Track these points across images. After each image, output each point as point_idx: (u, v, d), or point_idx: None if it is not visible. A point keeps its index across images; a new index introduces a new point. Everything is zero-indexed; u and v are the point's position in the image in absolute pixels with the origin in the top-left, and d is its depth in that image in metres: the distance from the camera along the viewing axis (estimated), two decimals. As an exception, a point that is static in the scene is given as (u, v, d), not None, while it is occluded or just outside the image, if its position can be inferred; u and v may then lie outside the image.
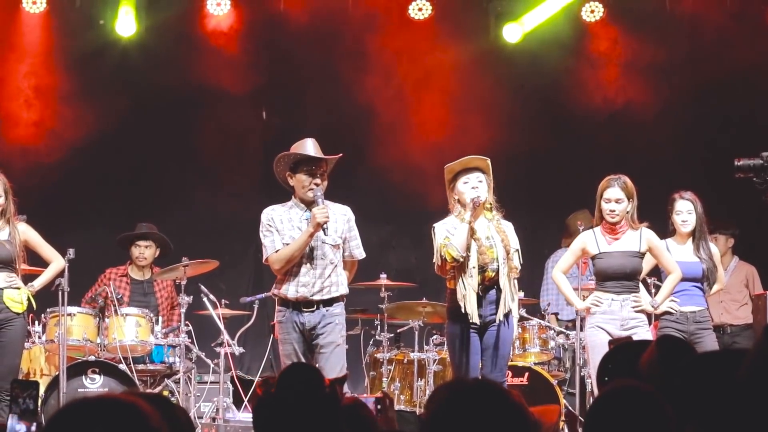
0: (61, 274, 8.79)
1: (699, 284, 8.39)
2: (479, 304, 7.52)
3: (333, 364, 7.44)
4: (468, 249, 7.47)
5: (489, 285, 7.54)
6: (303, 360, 7.40)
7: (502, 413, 2.76)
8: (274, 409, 3.51)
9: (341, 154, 7.66)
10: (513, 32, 12.05)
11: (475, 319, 7.50)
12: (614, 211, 8.00)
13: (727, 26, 11.63)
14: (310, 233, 7.39)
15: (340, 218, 7.66)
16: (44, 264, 8.80)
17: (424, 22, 12.12)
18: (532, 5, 11.99)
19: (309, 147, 7.57)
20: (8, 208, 8.44)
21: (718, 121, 11.80)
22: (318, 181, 7.48)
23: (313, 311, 7.48)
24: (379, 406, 4.72)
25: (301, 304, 7.47)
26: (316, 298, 7.49)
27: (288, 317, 7.48)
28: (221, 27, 11.91)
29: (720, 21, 11.70)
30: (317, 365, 7.29)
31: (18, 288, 8.41)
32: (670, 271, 8.16)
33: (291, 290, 7.48)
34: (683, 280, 8.28)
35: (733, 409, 2.73)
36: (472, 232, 7.48)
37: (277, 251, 7.45)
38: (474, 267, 7.51)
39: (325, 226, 7.38)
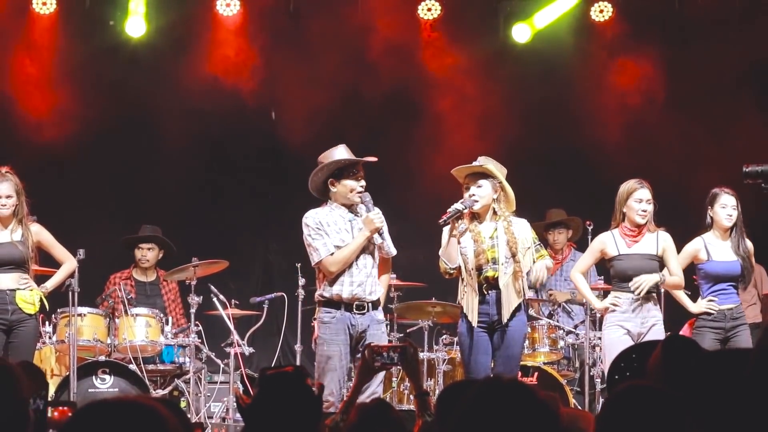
0: (72, 275, 8.81)
1: (735, 283, 8.40)
2: (484, 304, 7.57)
3: (380, 375, 7.54)
4: (455, 260, 7.58)
5: (492, 285, 7.57)
6: (346, 362, 7.49)
7: (534, 413, 2.78)
8: (257, 409, 3.54)
9: (376, 158, 7.72)
10: (522, 32, 12.06)
11: (474, 321, 7.56)
12: (646, 211, 8.12)
13: (737, 26, 11.62)
14: (367, 236, 7.50)
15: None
16: (56, 265, 8.81)
17: (433, 22, 12.13)
18: (541, 5, 12.00)
19: (347, 152, 7.66)
20: (21, 209, 8.44)
21: (729, 120, 11.78)
22: (363, 184, 7.58)
23: (364, 314, 7.53)
24: (405, 356, 4.73)
25: (353, 306, 7.51)
26: (369, 298, 7.56)
27: (339, 318, 7.49)
28: (231, 27, 11.93)
29: (730, 20, 11.69)
30: None
31: (31, 289, 8.41)
32: (676, 273, 8.20)
33: (345, 290, 7.49)
34: (721, 280, 8.34)
35: (737, 407, 2.74)
36: (457, 243, 7.58)
37: (332, 254, 7.48)
38: (472, 269, 7.57)
39: (381, 230, 7.48)
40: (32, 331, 8.43)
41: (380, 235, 7.54)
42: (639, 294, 8.01)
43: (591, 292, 8.50)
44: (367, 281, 7.56)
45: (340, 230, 7.54)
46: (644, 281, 8.01)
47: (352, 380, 7.50)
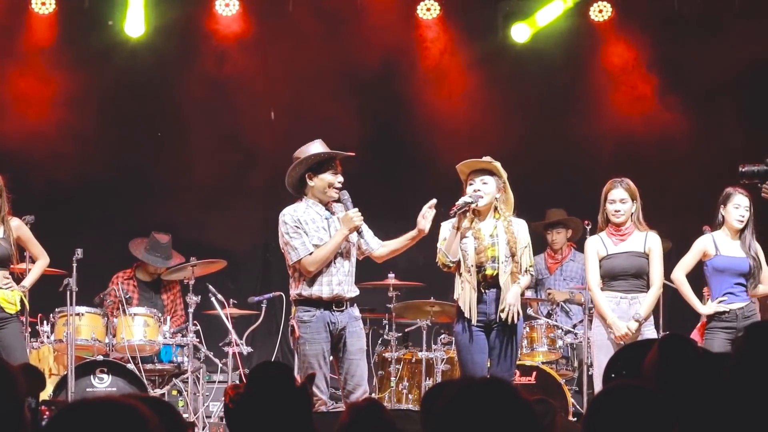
0: (68, 274, 8.80)
1: (743, 280, 8.36)
2: (482, 303, 7.55)
3: (363, 371, 7.57)
4: (456, 254, 7.55)
5: (491, 283, 7.55)
6: (328, 361, 7.48)
7: (511, 410, 2.77)
8: (246, 407, 3.53)
9: (353, 153, 7.70)
10: (521, 32, 12.06)
11: (473, 319, 7.53)
12: (619, 211, 8.08)
13: (736, 25, 11.61)
14: (345, 235, 7.46)
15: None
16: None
17: (433, 22, 12.13)
18: (540, 5, 11.99)
19: (324, 147, 7.60)
20: (2, 207, 8.34)
21: (729, 121, 11.77)
22: (341, 179, 7.53)
23: (343, 311, 7.50)
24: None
25: (333, 304, 7.47)
26: (348, 296, 7.53)
27: (319, 317, 7.43)
28: (230, 27, 11.93)
29: (729, 20, 11.68)
30: (347, 371, 7.48)
31: (12, 289, 8.32)
32: (653, 281, 8.15)
33: (325, 290, 7.45)
34: (729, 275, 8.32)
35: (715, 408, 2.73)
36: (460, 237, 7.57)
37: (311, 253, 7.42)
38: (472, 266, 7.55)
39: (360, 228, 7.46)
40: (17, 330, 8.38)
41: (359, 233, 7.51)
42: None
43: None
44: (346, 280, 7.54)
45: (318, 229, 7.49)
46: (625, 331, 7.98)
47: (336, 376, 7.56)
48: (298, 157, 7.57)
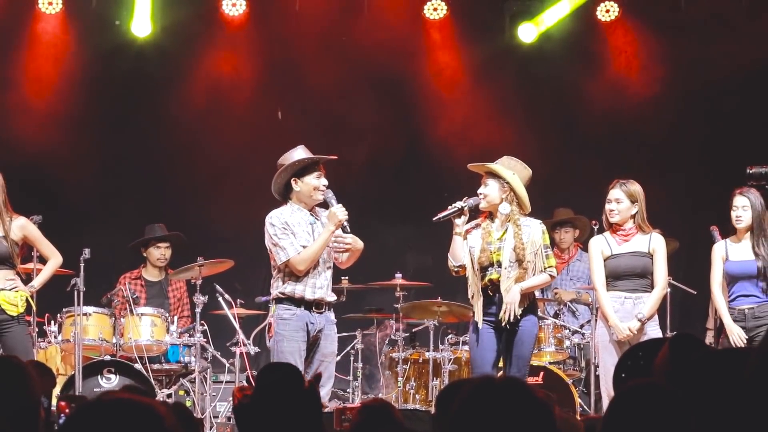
0: (76, 274, 8.79)
1: (753, 282, 8.31)
2: (492, 305, 7.59)
3: (330, 373, 7.73)
4: (460, 258, 7.64)
5: (498, 286, 7.58)
6: (303, 359, 7.53)
7: (528, 410, 2.76)
8: (256, 409, 3.53)
9: (336, 156, 7.79)
10: (528, 32, 12.06)
11: (479, 320, 7.61)
12: (613, 210, 8.08)
13: (743, 25, 11.60)
14: (332, 231, 7.54)
15: None
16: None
17: (439, 22, 12.13)
18: (547, 5, 11.99)
19: (306, 152, 7.74)
20: (1, 206, 8.26)
21: (734, 121, 11.76)
22: (326, 182, 7.65)
23: (321, 313, 7.63)
24: None
25: (313, 305, 7.56)
26: (328, 299, 7.68)
27: (299, 315, 7.54)
28: (236, 27, 11.93)
29: (736, 20, 11.67)
30: (314, 371, 7.55)
31: (17, 290, 8.24)
32: (657, 282, 8.11)
33: (308, 291, 7.56)
34: (739, 279, 8.29)
35: (736, 408, 2.72)
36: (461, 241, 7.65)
37: (299, 253, 7.51)
38: (477, 268, 7.62)
39: (345, 223, 7.51)
40: (21, 333, 8.28)
41: (344, 229, 7.59)
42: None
43: (612, 310, 8.10)
44: (327, 284, 7.69)
45: (303, 232, 7.60)
46: (627, 332, 7.95)
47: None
48: (282, 164, 7.71)
